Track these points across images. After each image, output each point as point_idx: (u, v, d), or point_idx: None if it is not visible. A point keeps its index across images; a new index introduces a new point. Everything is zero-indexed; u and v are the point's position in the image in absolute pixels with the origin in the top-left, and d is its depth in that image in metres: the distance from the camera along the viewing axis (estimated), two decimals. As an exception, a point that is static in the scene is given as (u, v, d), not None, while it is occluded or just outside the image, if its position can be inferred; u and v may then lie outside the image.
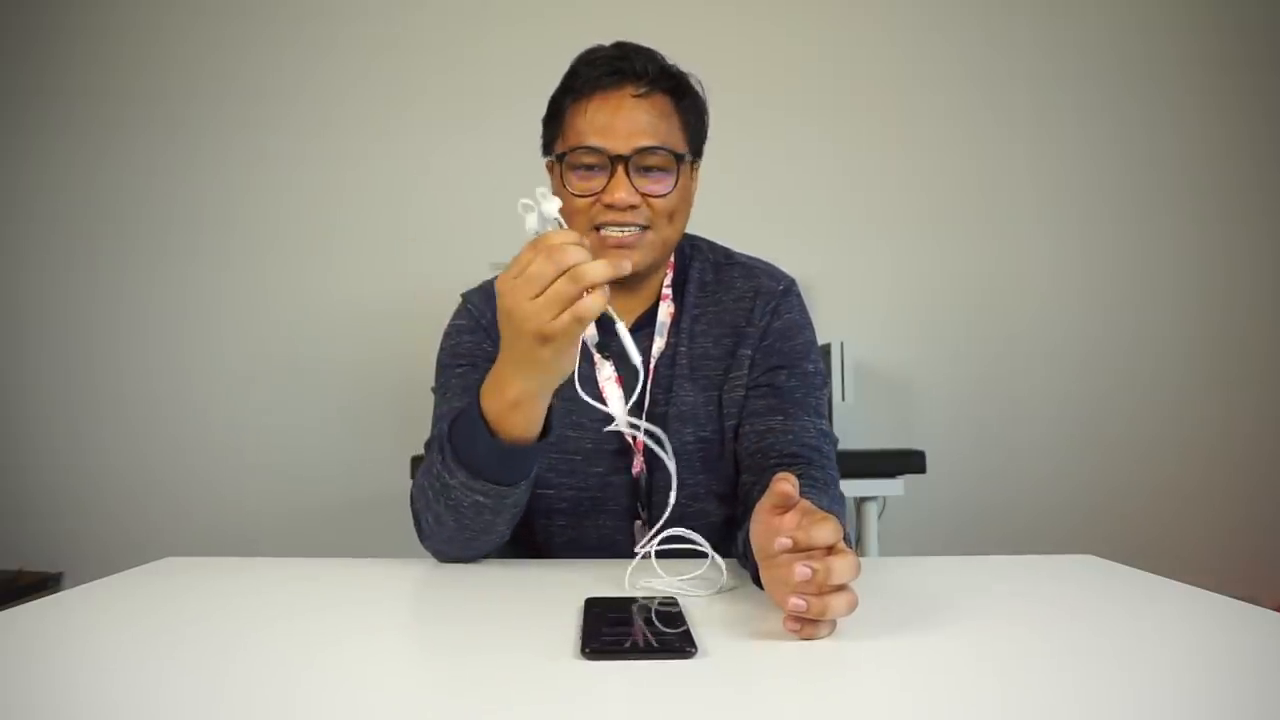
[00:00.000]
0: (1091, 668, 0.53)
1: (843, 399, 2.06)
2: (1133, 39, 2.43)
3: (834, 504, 0.85)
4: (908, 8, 2.45)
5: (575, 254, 0.65)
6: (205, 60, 2.48)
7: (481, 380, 0.81)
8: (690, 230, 1.11)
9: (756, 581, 0.71)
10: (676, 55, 1.03)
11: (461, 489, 0.80)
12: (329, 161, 2.46)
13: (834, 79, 2.44)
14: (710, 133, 1.02)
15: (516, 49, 2.38)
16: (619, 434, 0.97)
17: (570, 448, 0.96)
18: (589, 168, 0.91)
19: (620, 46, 0.94)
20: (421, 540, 0.89)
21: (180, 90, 2.48)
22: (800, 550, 0.59)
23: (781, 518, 0.62)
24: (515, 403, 0.75)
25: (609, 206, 0.90)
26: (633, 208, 0.90)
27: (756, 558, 0.66)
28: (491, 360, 0.83)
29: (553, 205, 0.67)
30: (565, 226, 0.69)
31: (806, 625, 0.58)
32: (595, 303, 0.66)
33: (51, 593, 0.76)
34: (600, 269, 0.66)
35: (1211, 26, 2.42)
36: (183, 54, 2.49)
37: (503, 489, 0.80)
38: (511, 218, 0.66)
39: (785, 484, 0.62)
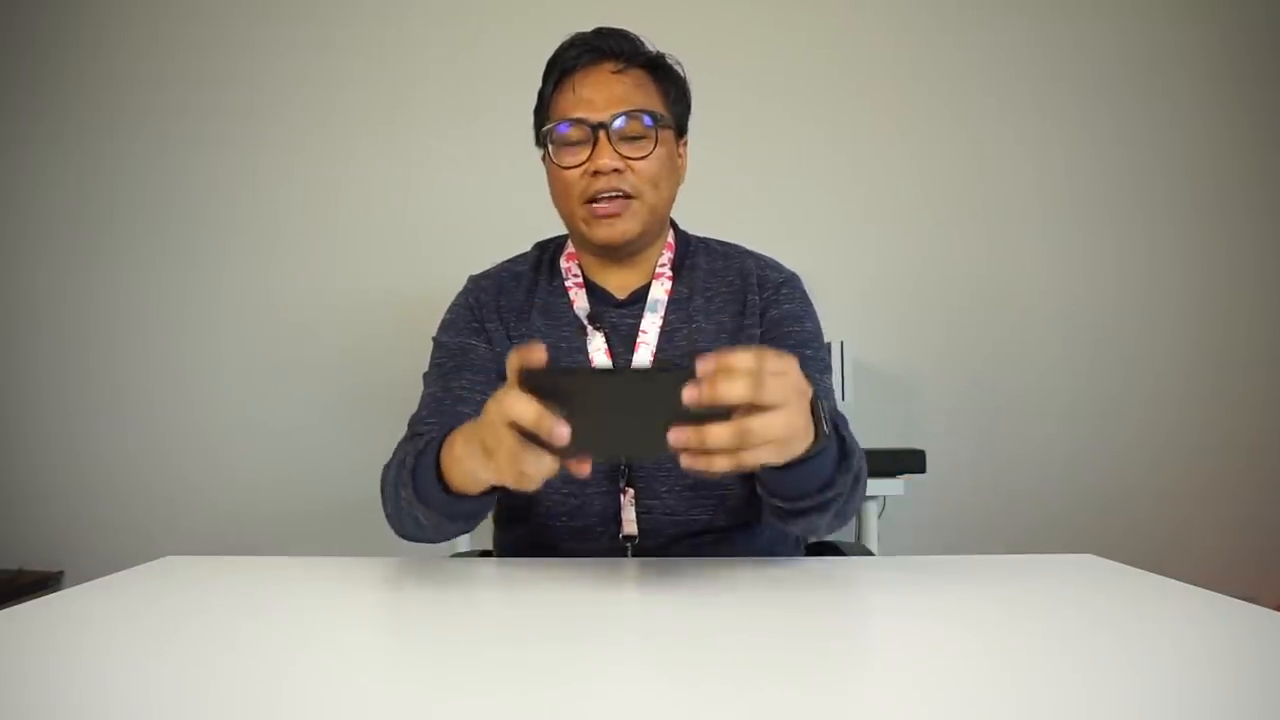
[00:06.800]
0: (1091, 667, 0.53)
1: (843, 399, 2.06)
2: (1136, 35, 2.42)
3: (845, 428, 0.84)
4: (912, 6, 2.44)
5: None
6: (202, 59, 2.48)
7: (459, 379, 0.95)
8: (694, 228, 1.12)
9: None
10: (677, 53, 1.03)
11: (407, 503, 0.83)
12: (327, 161, 2.46)
13: (836, 77, 2.44)
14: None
15: (514, 45, 2.37)
16: None
17: None
18: (575, 143, 0.94)
19: (598, 30, 0.98)
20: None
21: (177, 89, 2.47)
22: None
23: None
24: (457, 458, 0.76)
25: (596, 174, 0.93)
26: (617, 172, 0.93)
27: None
28: (476, 342, 0.98)
29: None
30: None
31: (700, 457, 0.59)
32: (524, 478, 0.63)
33: (52, 591, 0.76)
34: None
35: (1214, 24, 2.42)
36: (180, 53, 2.48)
37: (440, 517, 0.82)
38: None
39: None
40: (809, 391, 0.66)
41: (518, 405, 0.59)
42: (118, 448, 2.44)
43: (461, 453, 0.73)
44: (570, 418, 0.58)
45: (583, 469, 0.62)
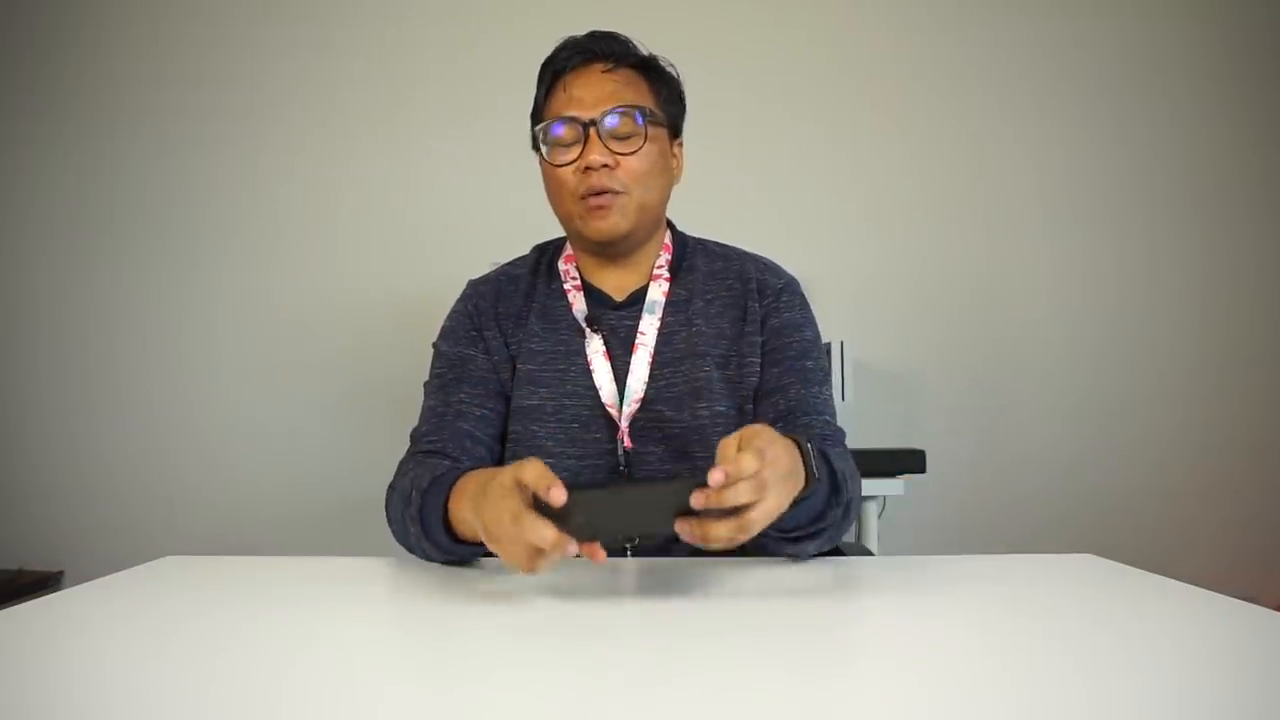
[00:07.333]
0: (1091, 666, 0.53)
1: (843, 399, 2.06)
2: (1136, 34, 2.42)
3: (838, 460, 0.87)
4: (912, 6, 2.44)
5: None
6: (202, 59, 2.48)
7: (459, 391, 0.96)
8: (693, 228, 1.12)
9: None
10: (677, 54, 1.04)
11: (416, 539, 0.85)
12: (327, 161, 2.46)
13: (836, 77, 2.44)
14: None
15: (514, 45, 2.36)
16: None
17: (567, 415, 0.97)
18: (568, 143, 0.95)
19: (590, 33, 1.00)
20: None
21: (177, 89, 2.47)
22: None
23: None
24: (464, 519, 0.79)
25: (588, 171, 0.94)
26: (607, 168, 0.94)
27: None
28: (474, 352, 0.99)
29: None
30: None
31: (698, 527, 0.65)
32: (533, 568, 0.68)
33: (52, 591, 0.76)
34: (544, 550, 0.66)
35: (1214, 23, 2.41)
36: (180, 53, 2.48)
37: (445, 555, 0.85)
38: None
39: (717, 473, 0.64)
40: (796, 475, 0.71)
41: (536, 531, 0.64)
42: (117, 448, 2.44)
43: (471, 520, 0.75)
44: (583, 518, 0.65)
45: (598, 558, 0.67)
